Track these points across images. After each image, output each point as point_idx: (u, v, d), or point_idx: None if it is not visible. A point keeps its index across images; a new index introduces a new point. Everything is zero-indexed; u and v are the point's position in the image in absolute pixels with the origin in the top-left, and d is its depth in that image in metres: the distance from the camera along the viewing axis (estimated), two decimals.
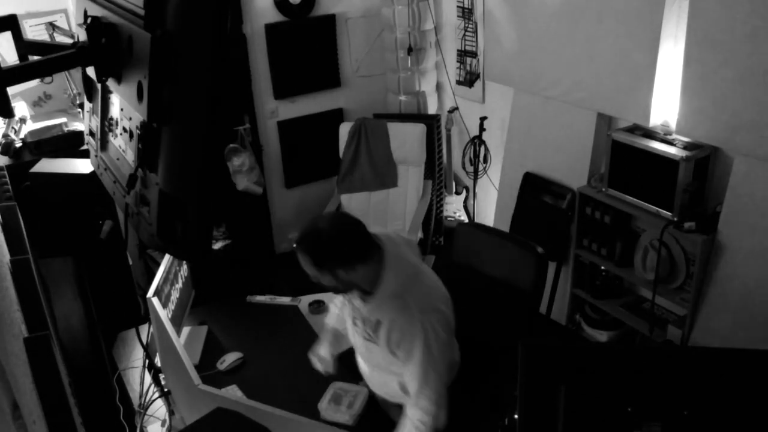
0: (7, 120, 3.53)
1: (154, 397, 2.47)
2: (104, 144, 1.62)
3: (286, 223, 4.81)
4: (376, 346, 2.11)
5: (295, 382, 2.48)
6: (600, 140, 3.45)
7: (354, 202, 4.39)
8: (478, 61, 4.24)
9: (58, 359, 1.44)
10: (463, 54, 4.32)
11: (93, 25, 1.27)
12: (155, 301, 2.28)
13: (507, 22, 3.75)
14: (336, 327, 2.45)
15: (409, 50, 4.45)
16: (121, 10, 1.24)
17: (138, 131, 1.25)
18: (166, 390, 2.44)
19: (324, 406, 2.30)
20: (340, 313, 2.44)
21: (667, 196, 2.96)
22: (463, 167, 4.49)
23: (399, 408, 2.19)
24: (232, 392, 2.41)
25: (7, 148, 3.42)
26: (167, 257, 2.60)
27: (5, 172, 2.99)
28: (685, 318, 3.10)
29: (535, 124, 3.80)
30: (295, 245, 1.98)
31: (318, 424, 2.18)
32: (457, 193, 4.66)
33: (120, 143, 1.46)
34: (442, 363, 2.04)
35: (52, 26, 3.72)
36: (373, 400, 2.36)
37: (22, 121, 3.64)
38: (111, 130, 1.55)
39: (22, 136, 3.54)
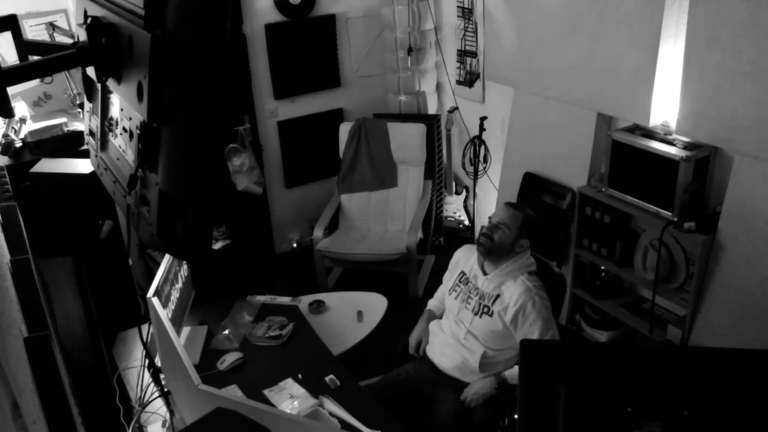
0: (7, 120, 3.53)
1: (153, 397, 2.47)
2: (104, 144, 1.62)
3: (286, 223, 4.81)
4: (488, 318, 2.48)
5: (295, 381, 2.47)
6: (600, 140, 3.45)
7: (354, 202, 4.39)
8: (478, 61, 4.24)
9: (58, 359, 1.44)
10: (463, 54, 4.32)
11: (93, 25, 1.27)
12: (155, 301, 2.28)
13: (507, 22, 3.75)
14: (431, 309, 2.82)
15: (409, 50, 4.45)
16: (121, 10, 1.24)
17: (138, 131, 1.25)
18: (166, 390, 2.44)
19: None
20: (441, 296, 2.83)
21: (667, 196, 2.96)
22: (463, 167, 4.49)
23: (453, 388, 2.53)
24: (232, 392, 2.41)
25: (7, 148, 3.42)
26: (167, 257, 2.60)
27: (5, 172, 2.98)
28: (685, 318, 3.10)
29: (535, 124, 3.80)
30: (508, 205, 2.55)
31: (318, 424, 2.18)
32: (457, 193, 4.66)
33: (120, 143, 1.46)
34: (555, 330, 2.48)
35: (52, 26, 3.71)
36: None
37: (22, 121, 3.64)
38: (111, 130, 1.55)
39: (22, 136, 3.54)
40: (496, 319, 2.46)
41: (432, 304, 2.86)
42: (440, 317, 2.74)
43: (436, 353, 2.63)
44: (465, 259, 2.68)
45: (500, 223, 2.49)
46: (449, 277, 2.73)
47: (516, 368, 2.45)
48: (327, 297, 3.09)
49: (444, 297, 2.75)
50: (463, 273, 2.64)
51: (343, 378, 2.49)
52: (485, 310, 2.49)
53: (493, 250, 2.50)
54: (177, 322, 2.64)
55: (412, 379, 2.62)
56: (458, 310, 2.59)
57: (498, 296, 2.48)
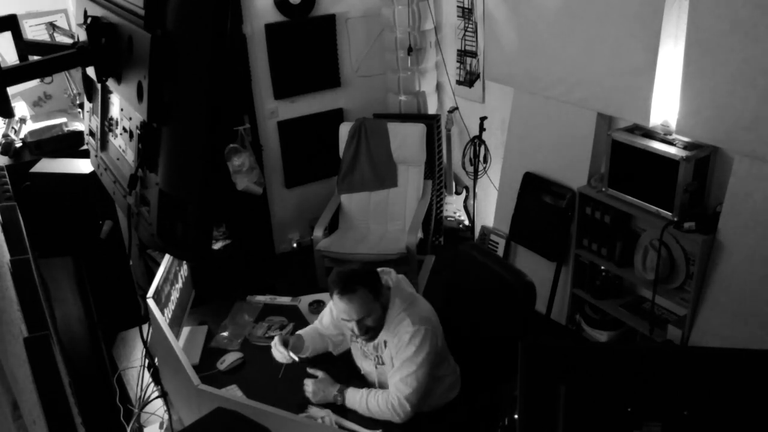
0: (7, 120, 3.53)
1: (152, 398, 2.47)
2: (104, 144, 1.62)
3: (286, 223, 4.81)
4: (384, 367, 2.34)
5: (295, 382, 2.47)
6: (600, 140, 3.45)
7: (354, 202, 4.39)
8: (478, 61, 4.24)
9: (58, 359, 1.44)
10: (463, 54, 4.32)
11: (93, 25, 1.27)
12: (151, 303, 2.28)
13: (507, 22, 3.75)
14: (300, 335, 2.55)
15: (409, 50, 4.45)
16: (121, 10, 1.24)
17: (138, 131, 1.25)
18: (165, 391, 2.44)
19: None
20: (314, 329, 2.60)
21: (667, 196, 2.96)
22: (463, 167, 4.49)
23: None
24: (232, 392, 2.41)
25: (7, 148, 3.42)
26: (167, 257, 2.60)
27: (5, 172, 2.98)
28: (685, 318, 3.10)
29: (535, 124, 3.80)
30: (340, 294, 2.19)
31: (317, 424, 2.18)
32: (457, 193, 4.66)
33: (120, 143, 1.46)
34: (428, 374, 2.26)
35: (52, 26, 3.71)
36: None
37: (22, 121, 3.64)
38: (111, 130, 1.55)
39: (22, 136, 3.54)
40: (389, 365, 2.31)
41: (303, 331, 2.58)
42: (310, 349, 2.52)
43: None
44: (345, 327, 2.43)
45: (359, 319, 2.21)
46: (339, 326, 2.50)
47: (362, 391, 2.28)
48: (327, 297, 3.09)
49: (315, 330, 2.57)
50: (363, 341, 2.40)
51: (343, 378, 2.49)
52: (379, 360, 2.35)
53: (378, 329, 2.28)
54: (177, 322, 2.64)
55: None
56: (363, 365, 2.46)
57: (386, 342, 2.30)
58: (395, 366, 2.27)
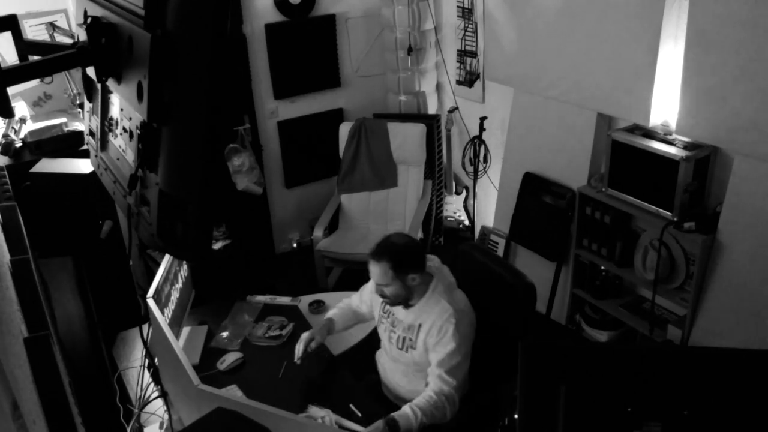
0: (7, 120, 3.53)
1: (152, 398, 2.47)
2: (104, 144, 1.62)
3: (286, 223, 4.81)
4: (414, 351, 2.36)
5: (295, 382, 2.48)
6: (600, 140, 3.45)
7: (354, 202, 4.39)
8: (478, 61, 4.24)
9: (58, 359, 1.44)
10: (463, 54, 4.32)
11: (93, 25, 1.27)
12: (151, 303, 2.28)
13: (507, 22, 3.75)
14: (332, 319, 2.62)
15: (409, 50, 4.45)
16: (121, 10, 1.24)
17: (138, 131, 1.25)
18: (165, 391, 2.44)
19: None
20: (339, 312, 2.66)
21: (667, 196, 2.96)
22: (463, 167, 4.49)
23: None
24: (232, 392, 2.41)
25: (7, 148, 3.42)
26: (167, 257, 2.60)
27: (5, 172, 2.98)
28: (685, 318, 3.10)
29: (535, 124, 3.80)
30: (370, 255, 2.31)
31: (317, 424, 2.18)
32: (457, 193, 4.66)
33: (120, 143, 1.46)
34: (467, 361, 2.34)
35: (52, 26, 3.71)
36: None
37: (22, 121, 3.64)
38: (111, 130, 1.55)
39: (22, 136, 3.54)
40: (420, 350, 2.34)
41: (334, 312, 2.66)
42: (341, 328, 2.63)
43: (384, 386, 2.56)
44: None
45: (378, 284, 2.32)
46: (373, 303, 2.57)
47: (405, 407, 2.21)
48: (327, 297, 3.09)
49: (349, 308, 2.66)
50: (384, 302, 2.47)
51: (342, 378, 2.49)
52: (409, 343, 2.37)
53: (395, 302, 2.36)
54: (177, 322, 2.64)
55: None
56: (388, 345, 2.48)
57: (420, 326, 2.33)
58: (433, 357, 2.28)
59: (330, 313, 2.65)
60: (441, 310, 2.29)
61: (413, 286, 2.32)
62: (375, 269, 2.30)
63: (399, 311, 2.41)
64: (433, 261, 2.43)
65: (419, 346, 2.34)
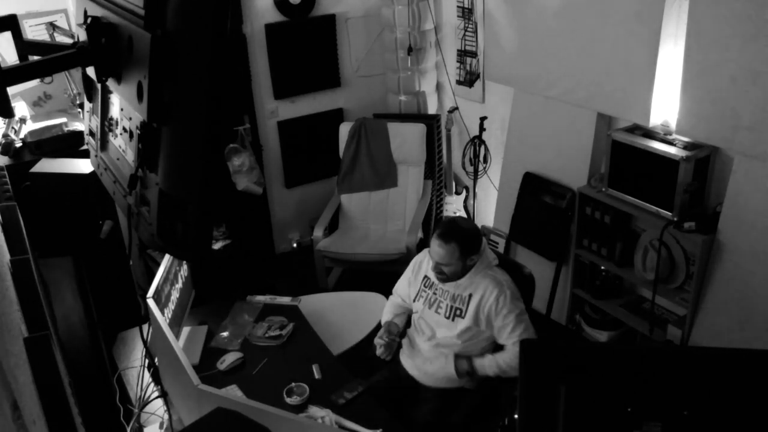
0: (7, 120, 3.53)
1: (152, 398, 2.47)
2: (104, 144, 1.62)
3: (286, 223, 4.81)
4: (461, 320, 2.49)
5: (295, 381, 2.47)
6: (600, 140, 3.45)
7: (354, 202, 4.39)
8: (478, 61, 4.24)
9: (58, 359, 1.44)
10: (463, 54, 4.32)
11: (93, 25, 1.27)
12: (151, 303, 2.28)
13: (507, 22, 3.75)
14: (394, 323, 2.71)
15: (409, 50, 4.45)
16: (121, 10, 1.24)
17: (138, 131, 1.25)
18: (165, 391, 2.44)
19: None
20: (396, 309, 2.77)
21: (667, 196, 2.96)
22: (463, 167, 4.49)
23: (431, 391, 2.55)
24: (232, 392, 2.41)
25: (7, 148, 3.42)
26: (167, 257, 2.60)
27: (5, 172, 2.98)
28: (685, 318, 3.10)
29: (535, 124, 3.80)
30: (437, 237, 2.45)
31: (317, 424, 2.18)
32: (457, 193, 4.66)
33: (120, 143, 1.46)
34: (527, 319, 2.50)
35: (52, 26, 3.71)
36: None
37: (22, 121, 3.64)
38: (111, 130, 1.55)
39: (22, 136, 3.54)
40: (468, 318, 2.48)
41: (388, 316, 2.74)
42: (402, 324, 2.72)
43: (411, 366, 2.63)
44: (428, 262, 2.63)
45: (439, 264, 2.47)
46: (411, 283, 2.69)
47: (486, 358, 2.49)
48: (327, 297, 3.09)
49: (402, 304, 2.75)
50: (426, 277, 2.62)
51: (343, 378, 2.49)
52: (458, 312, 2.50)
53: (451, 279, 2.51)
54: (177, 322, 2.64)
55: (389, 388, 2.61)
56: (427, 316, 2.58)
57: (471, 296, 2.48)
58: (501, 325, 2.45)
59: (384, 318, 2.75)
60: (491, 281, 2.47)
61: (469, 267, 2.49)
62: (442, 250, 2.43)
63: (446, 285, 2.54)
64: (476, 256, 2.56)
65: (469, 315, 2.47)
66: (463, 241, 2.45)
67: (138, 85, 1.15)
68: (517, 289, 2.51)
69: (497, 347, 2.54)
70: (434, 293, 2.58)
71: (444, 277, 2.50)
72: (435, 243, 2.46)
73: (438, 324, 2.55)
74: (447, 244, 2.43)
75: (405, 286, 2.73)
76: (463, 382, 2.52)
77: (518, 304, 2.46)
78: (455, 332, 2.50)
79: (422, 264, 2.68)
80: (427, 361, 2.57)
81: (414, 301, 2.65)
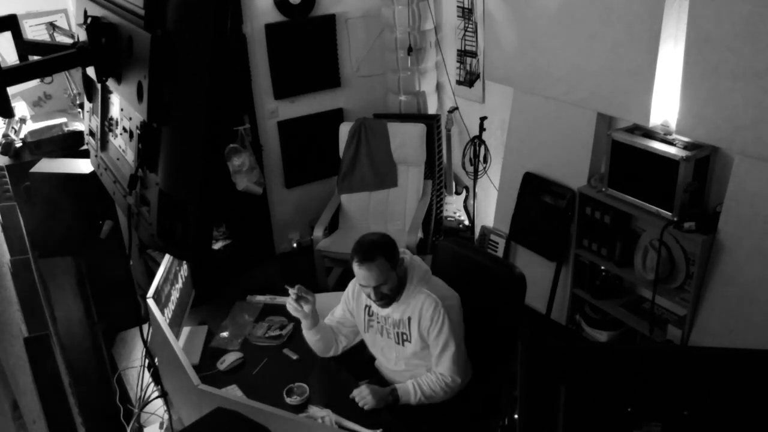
0: (7, 120, 3.53)
1: (152, 398, 2.47)
2: (104, 144, 1.62)
3: (286, 223, 4.81)
4: (409, 344, 2.42)
5: (295, 381, 2.47)
6: (600, 140, 3.45)
7: (354, 202, 4.39)
8: (478, 61, 4.24)
9: (58, 359, 1.44)
10: (463, 54, 4.32)
11: (93, 25, 1.27)
12: (151, 303, 2.28)
13: (507, 22, 3.75)
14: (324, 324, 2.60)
15: (409, 50, 4.45)
16: (121, 10, 1.24)
17: (138, 131, 1.25)
18: (165, 391, 2.44)
19: None
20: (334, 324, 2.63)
21: (667, 196, 2.96)
22: (463, 167, 4.49)
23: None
24: (232, 392, 2.41)
25: (7, 148, 3.42)
26: (167, 257, 2.60)
27: (5, 172, 2.98)
28: (685, 318, 3.10)
29: (535, 124, 3.80)
30: (360, 262, 2.30)
31: (317, 424, 2.18)
32: (457, 193, 4.66)
33: (120, 143, 1.46)
34: (463, 342, 2.42)
35: (52, 26, 3.71)
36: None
37: (22, 121, 3.64)
38: (111, 130, 1.55)
39: (22, 136, 3.54)
40: (415, 342, 2.40)
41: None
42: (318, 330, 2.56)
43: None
44: (360, 292, 2.50)
45: (376, 286, 2.31)
46: (354, 315, 2.57)
47: (408, 383, 2.38)
48: (327, 297, 3.09)
49: (337, 322, 2.61)
50: (368, 306, 2.50)
51: (343, 378, 2.49)
52: (404, 337, 2.42)
53: (394, 297, 2.38)
54: (177, 322, 2.64)
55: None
56: (383, 347, 2.52)
57: (410, 318, 2.39)
58: (431, 345, 2.38)
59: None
60: (425, 299, 2.36)
61: (402, 275, 2.38)
62: (371, 271, 2.29)
63: (381, 311, 2.45)
64: (405, 254, 2.45)
65: (414, 337, 2.40)
66: (385, 250, 2.32)
67: (138, 85, 1.15)
68: (457, 303, 2.42)
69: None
70: (378, 321, 2.49)
71: (387, 300, 2.37)
72: (362, 268, 2.30)
73: (392, 349, 2.49)
74: (373, 261, 2.28)
75: (341, 313, 2.60)
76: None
77: (449, 325, 2.34)
78: (408, 356, 2.44)
79: (358, 294, 2.53)
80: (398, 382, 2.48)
81: (365, 332, 2.55)
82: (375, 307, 2.46)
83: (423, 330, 2.37)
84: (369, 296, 2.38)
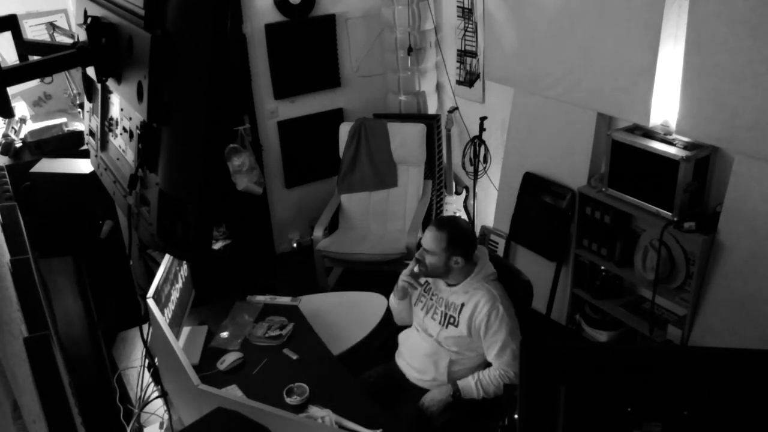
0: (7, 120, 3.53)
1: (152, 398, 2.47)
2: (104, 144, 1.62)
3: (286, 223, 4.81)
4: (454, 328, 2.48)
5: (295, 382, 2.47)
6: (600, 140, 3.45)
7: (354, 202, 4.39)
8: (478, 61, 4.24)
9: (58, 359, 1.44)
10: (463, 54, 4.32)
11: (93, 25, 1.27)
12: (151, 303, 2.28)
13: (507, 22, 3.75)
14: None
15: (409, 50, 4.45)
16: (121, 10, 1.24)
17: (138, 131, 1.25)
18: (165, 391, 2.44)
19: None
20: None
21: (667, 196, 2.96)
22: (463, 167, 4.49)
23: (418, 394, 2.51)
24: (232, 392, 2.41)
25: (7, 148, 3.42)
26: (167, 257, 2.60)
27: (5, 172, 2.98)
28: (685, 318, 3.10)
29: (535, 124, 3.80)
30: (434, 224, 2.48)
31: (317, 424, 2.18)
32: (457, 193, 4.66)
33: (120, 143, 1.46)
34: (518, 340, 2.43)
35: (52, 26, 3.71)
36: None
37: (22, 121, 3.64)
38: (111, 130, 1.55)
39: (22, 136, 3.54)
40: (462, 328, 2.46)
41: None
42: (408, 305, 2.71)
43: (405, 364, 2.64)
44: None
45: (425, 249, 2.47)
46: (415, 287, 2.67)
47: (470, 379, 2.47)
48: (327, 297, 3.09)
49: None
50: (427, 282, 2.61)
51: (342, 378, 2.49)
52: (451, 320, 2.48)
53: (430, 274, 2.51)
54: (177, 322, 2.64)
55: (379, 384, 2.62)
56: (424, 321, 2.58)
57: (463, 305, 2.46)
58: (488, 341, 2.43)
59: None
60: (485, 293, 2.43)
61: (453, 268, 2.45)
62: (431, 234, 2.45)
63: (442, 289, 2.54)
64: (480, 251, 2.55)
65: (462, 324, 2.45)
66: (455, 233, 2.44)
67: (138, 85, 1.15)
68: (512, 304, 2.48)
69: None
70: (431, 299, 2.58)
71: (424, 270, 2.49)
72: (429, 228, 2.49)
73: (433, 330, 2.54)
74: (438, 230, 2.44)
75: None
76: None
77: (509, 323, 2.42)
78: (447, 340, 2.50)
79: None
80: (418, 359, 2.57)
81: (414, 305, 2.65)
82: (435, 285, 2.57)
83: (476, 322, 2.42)
84: (416, 260, 2.51)
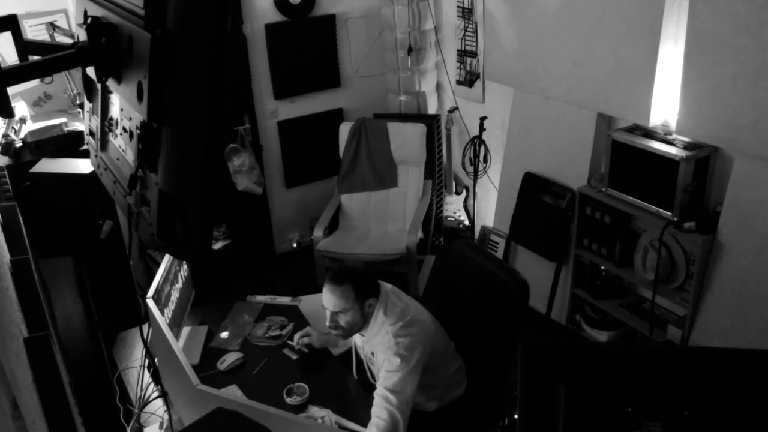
0: (7, 120, 3.53)
1: (152, 398, 2.47)
2: (104, 144, 1.62)
3: (286, 223, 4.81)
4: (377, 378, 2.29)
5: (294, 381, 2.48)
6: (600, 140, 3.45)
7: (354, 202, 4.39)
8: (478, 61, 4.24)
9: (58, 359, 1.44)
10: (463, 54, 4.32)
11: (93, 25, 1.27)
12: (151, 303, 2.28)
13: (507, 22, 3.75)
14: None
15: (409, 50, 4.45)
16: (121, 10, 1.24)
17: (138, 131, 1.25)
18: (165, 391, 2.44)
19: None
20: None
21: (667, 196, 2.96)
22: (463, 167, 4.49)
23: None
24: (232, 392, 2.41)
25: (7, 148, 3.42)
26: (167, 257, 2.60)
27: (5, 172, 2.98)
28: (685, 318, 3.10)
29: (535, 124, 3.80)
30: (327, 282, 2.25)
31: (317, 424, 2.18)
32: (457, 193, 4.66)
33: (120, 143, 1.46)
34: (413, 385, 2.18)
35: (52, 26, 3.71)
36: None
37: (22, 121, 3.64)
38: (111, 130, 1.55)
39: (22, 136, 3.54)
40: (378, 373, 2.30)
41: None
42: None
43: None
44: None
45: (334, 312, 2.25)
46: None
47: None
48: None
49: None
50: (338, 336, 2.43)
51: (343, 378, 2.49)
52: (375, 372, 2.37)
53: (350, 333, 2.33)
54: (177, 322, 2.64)
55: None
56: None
57: (373, 353, 2.34)
58: (380, 380, 2.21)
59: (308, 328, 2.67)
60: (386, 342, 2.22)
61: (368, 314, 2.28)
62: (333, 294, 2.22)
63: (359, 338, 2.42)
64: (384, 286, 2.37)
65: (376, 372, 2.31)
66: (358, 279, 2.23)
67: (138, 85, 1.15)
68: (423, 329, 2.27)
69: (445, 392, 2.44)
70: (362, 354, 2.47)
71: (342, 333, 2.29)
72: (326, 288, 2.24)
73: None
74: (339, 285, 2.21)
75: None
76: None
77: (401, 354, 2.17)
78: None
79: None
80: None
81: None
82: (344, 338, 2.41)
83: (382, 367, 2.24)
84: (330, 328, 2.30)
